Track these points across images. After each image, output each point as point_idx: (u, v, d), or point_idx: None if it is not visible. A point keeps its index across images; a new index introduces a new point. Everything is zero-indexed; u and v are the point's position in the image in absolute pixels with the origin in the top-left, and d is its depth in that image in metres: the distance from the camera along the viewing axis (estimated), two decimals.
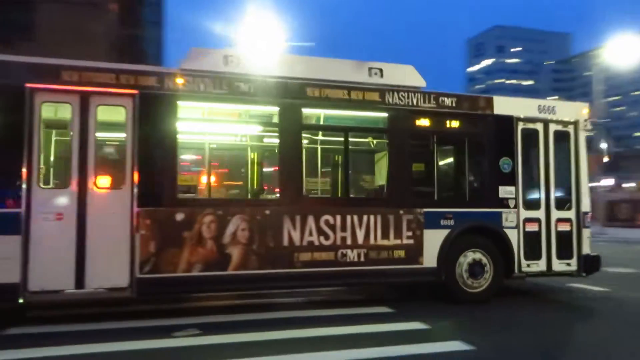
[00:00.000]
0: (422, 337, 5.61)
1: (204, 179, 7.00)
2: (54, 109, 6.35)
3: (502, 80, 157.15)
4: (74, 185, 6.16)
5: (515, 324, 6.58)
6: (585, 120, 8.24)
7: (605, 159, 9.08)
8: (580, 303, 8.11)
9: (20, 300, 5.93)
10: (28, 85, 6.04)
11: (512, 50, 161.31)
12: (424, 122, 7.52)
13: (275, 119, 7.05)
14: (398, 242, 7.16)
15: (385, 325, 6.08)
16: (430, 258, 7.28)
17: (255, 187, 7.75)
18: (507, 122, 7.85)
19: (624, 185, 54.35)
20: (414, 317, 6.37)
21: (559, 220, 7.98)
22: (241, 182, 7.68)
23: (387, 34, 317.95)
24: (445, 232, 7.37)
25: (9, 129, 5.99)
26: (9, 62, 6.13)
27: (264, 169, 7.65)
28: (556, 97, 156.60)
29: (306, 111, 7.11)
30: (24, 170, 5.96)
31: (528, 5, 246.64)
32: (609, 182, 41.98)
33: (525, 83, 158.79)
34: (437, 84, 7.20)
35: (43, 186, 6.15)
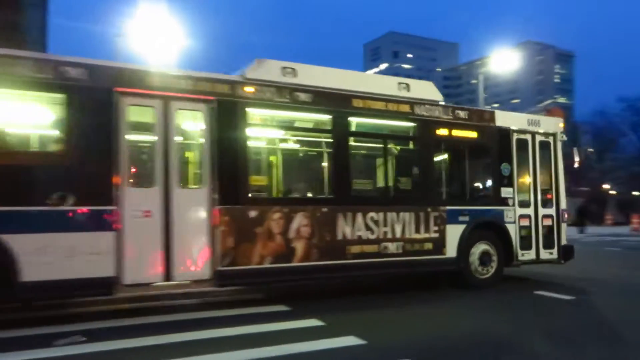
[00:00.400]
0: (317, 334, 5.63)
1: (271, 179, 7.62)
2: (138, 112, 6.71)
3: None
4: (159, 185, 6.60)
5: (411, 318, 6.81)
6: (561, 132, 9.87)
7: (576, 165, 10.56)
8: (467, 295, 8.48)
9: (117, 294, 6.29)
10: (116, 89, 6.40)
11: (406, 56, 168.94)
12: (444, 131, 8.70)
13: (328, 126, 7.88)
14: (427, 235, 8.28)
15: (282, 324, 6.10)
16: (451, 249, 8.47)
17: (313, 186, 8.51)
18: (506, 133, 9.27)
19: None
20: (310, 315, 6.46)
21: (544, 216, 9.53)
22: (301, 182, 8.39)
23: (288, 34, 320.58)
24: (462, 227, 8.61)
25: (101, 131, 6.32)
26: (101, 66, 6.45)
27: (320, 171, 8.41)
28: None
29: (352, 119, 7.99)
30: (116, 170, 6.32)
31: (419, 15, 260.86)
32: None
33: None
34: None
35: (132, 185, 6.52)
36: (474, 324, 6.45)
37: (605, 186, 52.70)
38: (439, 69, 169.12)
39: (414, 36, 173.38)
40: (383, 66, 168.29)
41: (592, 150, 57.57)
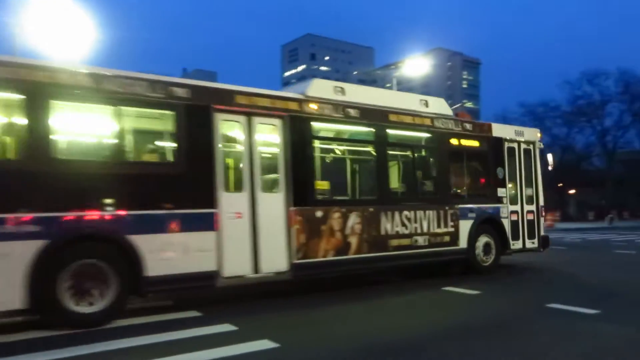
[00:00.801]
0: (229, 339, 5.53)
1: (330, 184, 8.80)
2: (228, 126, 7.70)
3: None
4: (247, 190, 7.64)
5: (329, 319, 6.77)
6: (539, 141, 11.83)
7: (550, 168, 12.30)
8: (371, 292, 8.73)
9: (218, 284, 7.28)
10: (214, 106, 7.39)
11: (324, 58, 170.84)
12: (455, 141, 10.33)
13: (371, 137, 9.21)
14: (446, 230, 9.84)
15: (192, 330, 5.98)
16: (463, 241, 10.09)
17: (362, 189, 9.75)
18: (500, 142, 11.08)
19: None
20: (222, 320, 6.39)
21: (528, 211, 11.41)
22: (353, 186, 9.61)
23: (206, 34, 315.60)
24: (471, 222, 10.26)
25: (203, 143, 7.28)
26: (201, 86, 7.43)
27: (366, 175, 9.70)
28: None
29: (389, 131, 9.37)
30: (215, 177, 7.30)
31: (335, 18, 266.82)
32: None
33: None
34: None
35: (226, 191, 7.51)
36: (391, 323, 6.46)
37: None
38: (355, 72, 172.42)
39: (331, 39, 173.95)
40: (301, 68, 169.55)
41: None
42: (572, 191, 57.25)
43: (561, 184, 53.35)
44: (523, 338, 5.57)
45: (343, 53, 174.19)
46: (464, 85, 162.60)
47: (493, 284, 9.44)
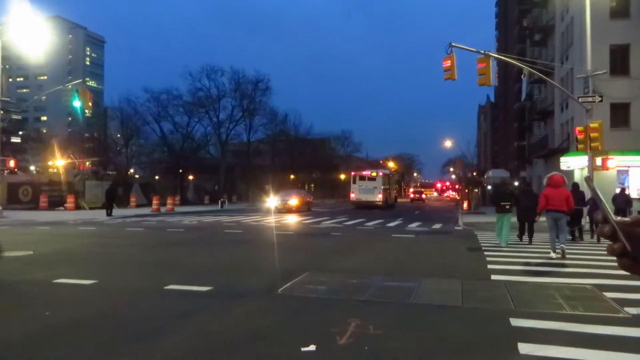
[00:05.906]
0: None
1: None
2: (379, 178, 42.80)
3: None
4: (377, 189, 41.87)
5: None
6: (400, 174, 50.29)
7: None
8: None
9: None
10: (387, 174, 43.11)
11: None
12: (391, 177, 50.94)
13: (385, 178, 46.83)
14: (392, 197, 49.43)
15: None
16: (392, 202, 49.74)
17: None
18: (393, 176, 53.77)
19: (32, 167, 56.99)
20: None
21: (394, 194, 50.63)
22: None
23: None
24: (394, 196, 49.60)
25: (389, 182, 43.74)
26: (381, 170, 43.20)
27: (388, 186, 46.69)
28: None
29: (390, 175, 47.18)
30: (386, 188, 42.22)
31: None
32: None
33: None
34: None
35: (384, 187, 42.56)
36: None
37: (131, 170, 59.19)
38: None
39: None
40: None
41: (120, 135, 61.17)
42: (190, 177, 63.18)
43: (181, 170, 59.81)
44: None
45: None
46: (87, 63, 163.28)
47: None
